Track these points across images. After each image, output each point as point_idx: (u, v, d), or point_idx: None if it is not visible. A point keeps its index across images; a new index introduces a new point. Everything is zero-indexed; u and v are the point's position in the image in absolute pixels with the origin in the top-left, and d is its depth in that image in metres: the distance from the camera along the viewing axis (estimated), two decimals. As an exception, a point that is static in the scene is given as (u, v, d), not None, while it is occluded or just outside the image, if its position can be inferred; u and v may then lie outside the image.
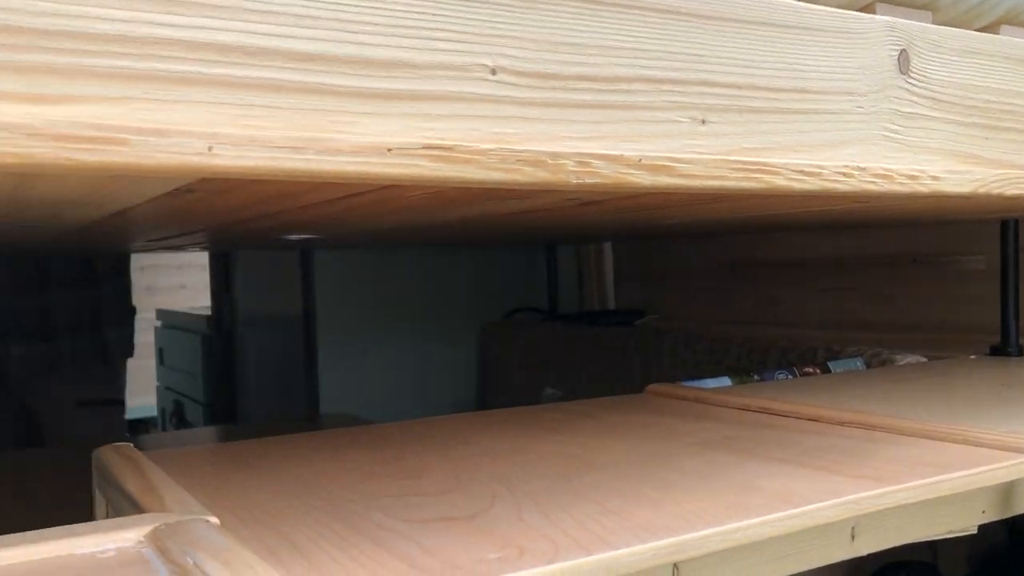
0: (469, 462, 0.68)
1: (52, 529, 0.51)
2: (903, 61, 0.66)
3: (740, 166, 0.57)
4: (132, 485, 0.62)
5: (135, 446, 0.71)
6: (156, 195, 0.60)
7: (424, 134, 0.47)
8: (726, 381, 1.06)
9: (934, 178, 0.66)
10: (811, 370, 1.15)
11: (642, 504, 0.55)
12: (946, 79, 0.69)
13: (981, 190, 0.69)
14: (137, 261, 2.51)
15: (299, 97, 0.44)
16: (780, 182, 0.59)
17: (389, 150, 0.46)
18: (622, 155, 0.53)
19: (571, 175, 0.51)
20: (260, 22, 0.43)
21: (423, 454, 0.72)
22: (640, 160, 0.54)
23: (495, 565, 0.45)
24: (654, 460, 0.67)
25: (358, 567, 0.46)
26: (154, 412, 3.21)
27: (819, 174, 0.61)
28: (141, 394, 3.09)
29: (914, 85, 0.67)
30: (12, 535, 0.49)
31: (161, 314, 3.06)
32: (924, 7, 0.70)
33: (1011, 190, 0.71)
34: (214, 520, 0.52)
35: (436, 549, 0.48)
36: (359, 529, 0.53)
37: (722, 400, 0.91)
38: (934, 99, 0.68)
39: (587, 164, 0.52)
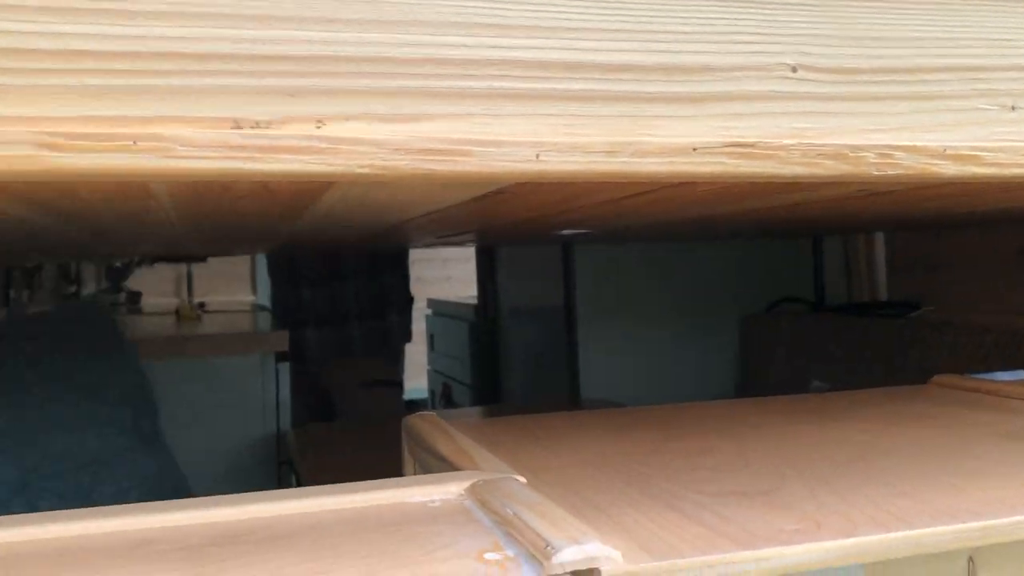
0: (754, 444, 0.70)
1: (384, 480, 0.58)
2: None
3: (1055, 152, 0.55)
4: (444, 448, 0.69)
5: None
6: (467, 199, 0.67)
7: (726, 133, 0.50)
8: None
9: None
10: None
11: (940, 489, 0.55)
12: None
13: None
14: (410, 255, 2.71)
15: (613, 105, 0.48)
16: (1100, 167, 0.56)
17: (694, 149, 0.49)
18: (925, 146, 0.53)
19: (872, 167, 0.52)
20: (578, 39, 0.48)
21: (706, 435, 0.74)
22: (944, 150, 0.53)
23: (795, 535, 0.47)
24: (946, 448, 0.66)
25: (661, 529, 0.50)
26: (425, 394, 3.44)
27: None
28: (413, 377, 3.32)
29: None
30: (352, 483, 0.58)
31: (432, 303, 3.27)
32: None
33: None
34: (522, 479, 0.58)
35: (733, 518, 0.51)
36: (655, 497, 0.56)
37: (1021, 393, 0.86)
38: None
39: (888, 156, 0.52)
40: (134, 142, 0.41)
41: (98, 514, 0.51)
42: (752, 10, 0.51)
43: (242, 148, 0.43)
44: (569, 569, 0.43)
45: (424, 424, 0.78)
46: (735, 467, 0.63)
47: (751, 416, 0.82)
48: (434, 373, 3.23)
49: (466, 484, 0.58)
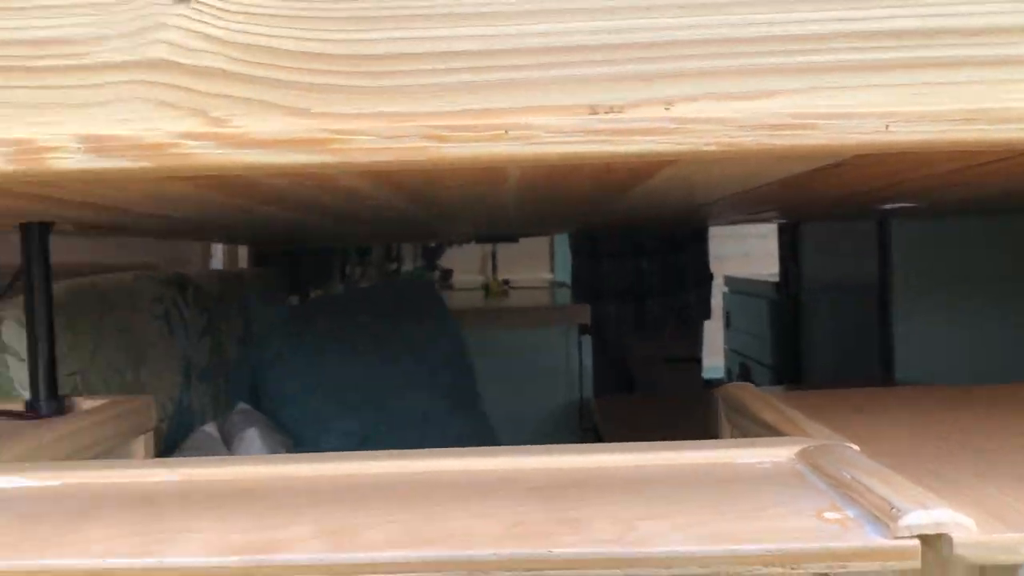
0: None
1: (711, 440, 0.61)
2: None
3: None
4: (768, 415, 0.70)
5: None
6: (798, 172, 0.67)
7: (1104, 94, 0.46)
8: None
9: None
10: None
11: None
12: None
13: None
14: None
15: (971, 71, 0.46)
16: None
17: (1063, 116, 0.46)
18: None
19: None
20: (934, 3, 0.46)
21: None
22: None
23: None
24: None
25: (1016, 502, 0.47)
26: (721, 373, 3.40)
27: None
28: (709, 356, 3.29)
29: None
30: (680, 441, 0.60)
31: (729, 280, 3.22)
32: None
33: None
34: (855, 447, 0.57)
35: None
36: (1004, 472, 0.53)
37: None
38: None
39: None
40: (505, 131, 0.46)
41: (450, 455, 0.58)
42: None
43: (598, 132, 0.46)
44: (916, 533, 0.43)
45: (743, 393, 0.80)
46: None
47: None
48: (731, 352, 3.18)
49: (796, 449, 0.58)
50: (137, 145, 0.46)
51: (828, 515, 0.46)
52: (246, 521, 0.49)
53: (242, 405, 1.48)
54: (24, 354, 0.92)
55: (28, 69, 0.47)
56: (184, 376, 1.29)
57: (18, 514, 0.52)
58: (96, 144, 0.46)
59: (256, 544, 0.46)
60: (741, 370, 3.06)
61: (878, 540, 0.43)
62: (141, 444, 0.88)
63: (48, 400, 0.84)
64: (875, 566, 0.43)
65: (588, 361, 2.31)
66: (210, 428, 1.26)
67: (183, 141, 0.46)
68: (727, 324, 3.33)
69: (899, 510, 0.44)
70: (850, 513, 0.46)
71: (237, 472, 0.58)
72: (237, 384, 1.55)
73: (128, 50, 0.47)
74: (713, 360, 3.53)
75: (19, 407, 0.85)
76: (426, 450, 0.59)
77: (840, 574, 0.44)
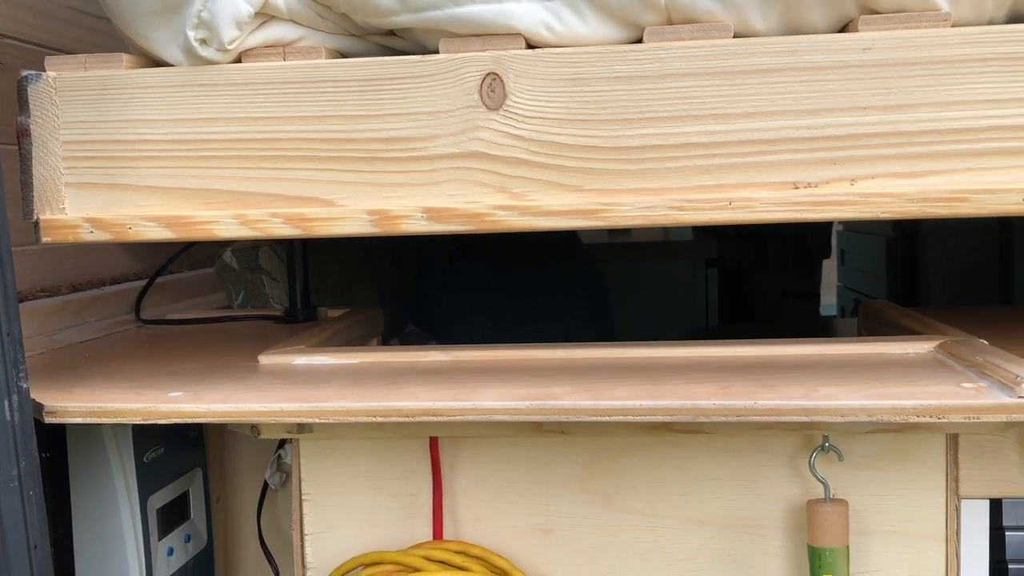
0: None
1: (864, 337, 0.77)
2: None
3: None
4: (905, 321, 0.86)
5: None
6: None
7: None
8: None
9: None
10: None
11: None
12: None
13: None
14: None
15: (1091, 155, 0.61)
16: None
17: None
18: None
19: None
20: (1063, 104, 0.60)
21: None
22: None
23: None
24: None
25: None
26: (834, 311, 3.49)
27: None
28: (825, 293, 3.37)
29: None
30: (843, 338, 0.78)
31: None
32: None
33: None
34: (984, 341, 0.73)
35: None
36: None
37: None
38: None
39: None
40: (729, 203, 0.63)
41: (666, 345, 0.78)
42: None
43: (799, 203, 0.63)
44: None
45: (884, 306, 0.97)
46: None
47: None
48: (845, 289, 3.27)
49: (935, 343, 0.76)
50: (463, 214, 0.65)
51: (965, 385, 0.63)
52: (522, 385, 0.68)
53: (410, 327, 1.70)
54: (277, 275, 1.14)
55: (384, 159, 0.66)
56: (379, 297, 1.51)
57: (339, 381, 0.71)
58: (435, 214, 0.65)
59: (537, 395, 0.64)
60: (855, 306, 3.16)
61: (1005, 399, 0.59)
62: (375, 344, 1.09)
63: (303, 308, 1.05)
64: (1002, 418, 0.59)
65: (714, 293, 2.46)
66: (414, 328, 1.48)
67: (495, 211, 0.65)
68: (841, 262, 3.41)
69: (1022, 378, 0.60)
70: (983, 383, 0.62)
71: (496, 354, 0.78)
72: (403, 309, 1.77)
73: (454, 145, 0.65)
74: (826, 298, 3.61)
75: (278, 314, 1.07)
76: (640, 342, 0.78)
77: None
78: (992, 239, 2.28)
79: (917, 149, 0.62)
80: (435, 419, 0.64)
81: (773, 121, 0.63)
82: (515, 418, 0.63)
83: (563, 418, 0.64)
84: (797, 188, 0.63)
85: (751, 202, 0.63)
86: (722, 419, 0.62)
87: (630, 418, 0.62)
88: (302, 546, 0.77)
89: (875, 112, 0.62)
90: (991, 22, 0.65)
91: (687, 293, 2.45)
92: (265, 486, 0.87)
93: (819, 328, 2.34)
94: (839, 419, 0.61)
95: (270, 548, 0.87)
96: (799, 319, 2.58)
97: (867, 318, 1.02)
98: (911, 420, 0.60)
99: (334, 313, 1.08)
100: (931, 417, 0.60)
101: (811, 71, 0.62)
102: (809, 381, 0.66)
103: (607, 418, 0.62)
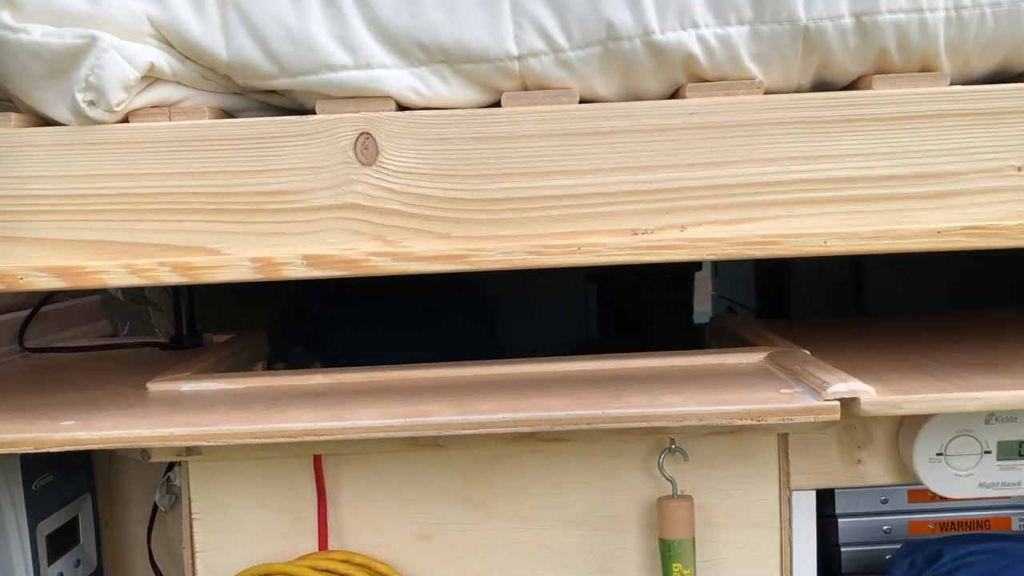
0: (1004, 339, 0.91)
1: (704, 350, 0.88)
2: None
3: None
4: (747, 335, 0.97)
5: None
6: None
7: (963, 220, 0.71)
8: None
9: None
10: None
11: None
12: None
13: None
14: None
15: (878, 204, 0.72)
16: None
17: (938, 232, 0.72)
18: None
19: (1080, 238, 0.71)
20: (854, 161, 0.71)
21: (969, 333, 0.96)
22: None
23: (1006, 387, 0.71)
24: None
25: (910, 382, 0.74)
26: (707, 319, 3.67)
27: None
28: (698, 303, 3.55)
29: None
30: (685, 351, 0.87)
31: (717, 224, 3.46)
32: None
33: None
34: (807, 352, 0.84)
35: (966, 378, 0.74)
36: (912, 366, 0.81)
37: None
38: None
39: (1095, 229, 0.71)
40: (579, 248, 0.72)
41: (529, 362, 0.87)
42: (986, 128, 0.71)
43: (638, 248, 0.72)
44: (837, 397, 0.70)
45: (730, 320, 1.09)
46: (982, 352, 0.86)
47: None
48: (718, 298, 3.45)
49: (765, 353, 0.86)
50: (341, 260, 0.71)
51: (783, 391, 0.73)
52: (398, 404, 0.75)
53: (297, 349, 1.76)
54: (162, 305, 1.18)
55: (266, 211, 0.71)
56: (270, 320, 1.55)
57: (225, 406, 0.77)
58: (314, 261, 0.71)
59: (410, 413, 0.71)
60: (727, 312, 3.34)
61: (813, 403, 0.70)
62: (259, 368, 1.13)
63: (189, 335, 1.10)
64: (811, 419, 0.70)
65: (593, 307, 2.58)
66: (299, 350, 1.54)
67: (370, 257, 0.71)
68: (715, 273, 3.59)
69: (828, 384, 0.71)
70: (798, 389, 0.73)
71: (374, 376, 0.85)
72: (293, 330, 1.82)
73: (331, 197, 0.71)
74: (702, 308, 3.80)
75: (164, 341, 1.11)
76: (507, 359, 0.87)
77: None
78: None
79: (736, 200, 0.72)
80: (317, 439, 0.70)
81: (614, 176, 0.72)
82: (390, 435, 0.71)
83: (434, 433, 0.71)
84: (636, 234, 0.72)
85: (597, 247, 0.72)
86: (575, 427, 0.70)
87: (495, 430, 0.70)
88: (193, 564, 0.82)
89: (701, 168, 0.72)
90: (799, 89, 0.75)
91: (568, 308, 2.55)
92: (155, 508, 0.91)
93: (690, 336, 2.47)
94: (676, 424, 0.71)
95: (160, 569, 0.91)
96: (673, 328, 2.72)
97: (716, 331, 1.13)
98: (736, 423, 0.70)
99: (220, 339, 1.13)
100: (752, 420, 0.70)
101: (646, 132, 0.71)
102: (653, 391, 0.75)
103: (474, 431, 0.70)
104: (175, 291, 1.11)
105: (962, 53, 0.73)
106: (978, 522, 0.95)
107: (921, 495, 0.95)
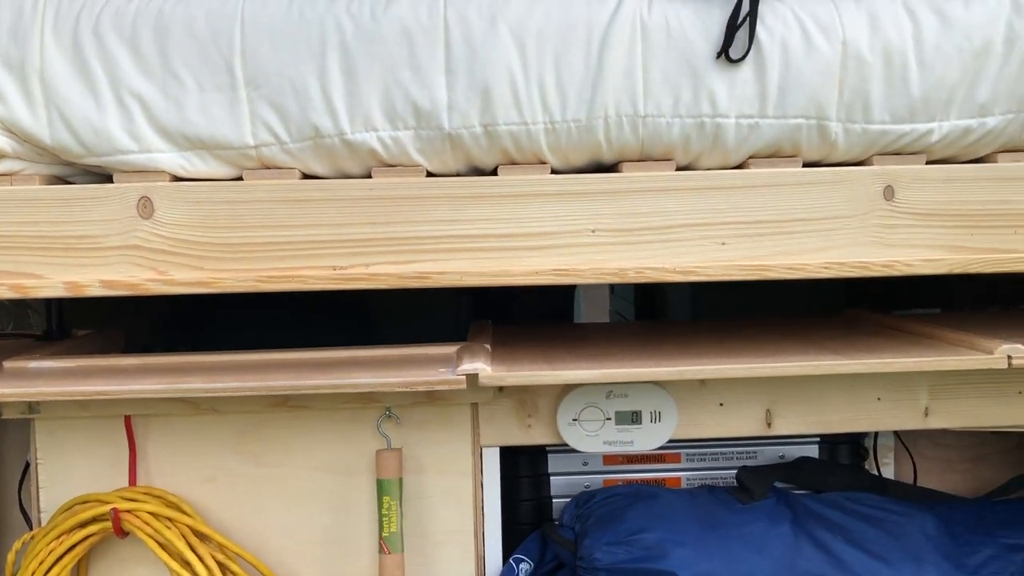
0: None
1: (416, 344, 1.20)
2: (888, 192, 1.06)
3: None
4: (471, 335, 1.30)
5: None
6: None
7: (553, 264, 1.05)
8: None
9: (908, 265, 1.06)
10: None
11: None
12: (934, 199, 1.06)
13: (957, 270, 1.06)
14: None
15: (498, 252, 1.05)
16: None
17: (536, 272, 1.05)
18: (663, 266, 1.06)
19: (635, 278, 1.06)
20: (483, 222, 1.05)
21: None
22: (675, 268, 1.06)
23: (591, 365, 1.05)
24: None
25: (532, 364, 1.10)
26: (595, 323, 4.01)
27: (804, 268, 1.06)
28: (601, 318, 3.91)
29: (899, 207, 1.06)
30: (393, 345, 1.20)
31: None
32: (919, 152, 1.07)
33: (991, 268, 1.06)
34: (487, 346, 1.17)
35: (585, 366, 1.09)
36: (556, 359, 1.14)
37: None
38: (919, 213, 1.06)
39: (642, 272, 1.06)
40: (293, 278, 1.05)
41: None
42: (571, 203, 1.05)
43: (336, 279, 1.05)
44: (465, 373, 1.03)
45: (478, 327, 1.39)
46: (632, 346, 1.19)
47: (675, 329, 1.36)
48: (614, 313, 3.83)
49: (457, 347, 1.17)
50: (126, 284, 1.04)
51: (441, 370, 1.06)
52: (180, 379, 1.07)
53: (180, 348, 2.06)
54: (38, 308, 1.49)
55: (75, 249, 1.04)
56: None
57: (56, 378, 1.08)
58: (108, 284, 1.04)
59: (180, 382, 1.05)
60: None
61: (449, 376, 1.03)
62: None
63: (57, 330, 1.41)
64: (447, 387, 1.03)
65: (464, 317, 2.89)
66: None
67: (146, 283, 1.04)
68: (612, 292, 3.96)
69: (462, 363, 1.04)
70: (444, 370, 1.06)
71: (173, 360, 1.15)
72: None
73: (120, 240, 1.04)
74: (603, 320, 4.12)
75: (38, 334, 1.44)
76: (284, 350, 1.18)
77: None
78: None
79: (403, 247, 1.05)
80: (101, 398, 1.03)
81: (319, 230, 1.05)
82: (156, 396, 1.05)
83: (181, 395, 1.06)
84: (335, 270, 1.05)
85: (306, 278, 1.05)
86: (305, 392, 1.04)
87: (232, 394, 1.04)
88: (37, 496, 1.13)
89: (379, 226, 1.05)
90: (456, 173, 1.09)
91: (442, 319, 2.87)
92: (26, 466, 1.22)
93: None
94: (363, 390, 1.04)
95: (28, 513, 1.22)
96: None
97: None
98: (397, 390, 1.04)
99: (83, 332, 1.44)
100: (408, 388, 1.03)
101: (340, 201, 1.05)
102: (368, 370, 1.08)
103: (211, 395, 1.05)
104: (48, 299, 1.43)
105: (560, 152, 1.07)
106: (656, 480, 1.29)
107: (613, 459, 1.29)
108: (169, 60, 1.03)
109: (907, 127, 1.05)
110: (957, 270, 1.07)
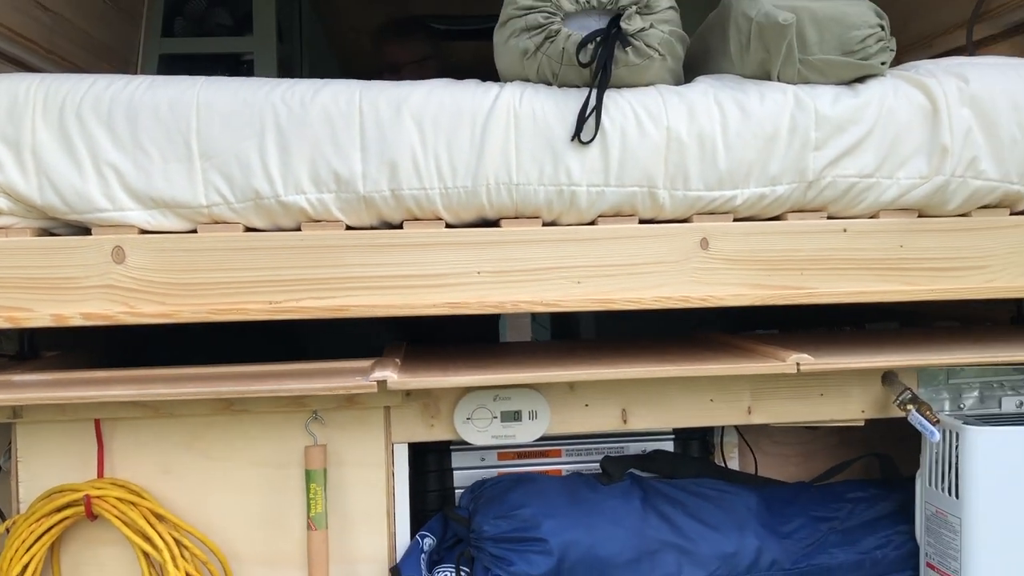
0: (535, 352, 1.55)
1: (342, 360, 1.49)
2: (704, 243, 1.37)
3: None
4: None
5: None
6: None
7: (448, 298, 1.34)
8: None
9: (719, 299, 1.38)
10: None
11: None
12: (739, 248, 1.38)
13: (758, 302, 1.38)
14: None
15: (403, 290, 1.34)
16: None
17: (434, 305, 1.34)
18: (532, 299, 1.35)
19: (511, 309, 1.35)
20: (390, 265, 1.34)
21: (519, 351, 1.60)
22: (542, 300, 1.36)
23: (485, 373, 1.34)
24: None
25: (439, 373, 1.37)
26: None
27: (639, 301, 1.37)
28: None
29: (713, 255, 1.38)
30: (324, 360, 1.47)
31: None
32: (728, 212, 1.39)
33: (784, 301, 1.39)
34: (399, 361, 1.45)
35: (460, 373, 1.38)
36: (450, 369, 1.44)
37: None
38: (728, 259, 1.38)
39: (517, 304, 1.35)
40: (237, 310, 1.31)
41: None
42: (461, 252, 1.34)
43: (273, 311, 1.32)
44: (376, 379, 1.30)
45: (392, 347, 1.67)
46: (505, 362, 1.48)
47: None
48: (534, 339, 4.13)
49: (371, 362, 1.45)
50: (103, 316, 1.29)
51: (357, 378, 1.33)
52: (137, 387, 1.33)
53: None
54: (11, 335, 1.72)
55: (59, 288, 1.29)
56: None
57: (37, 388, 1.31)
58: (88, 316, 1.29)
59: (135, 389, 1.30)
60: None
61: (363, 382, 1.30)
62: None
63: (29, 350, 1.64)
64: (361, 391, 1.29)
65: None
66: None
67: (119, 315, 1.30)
68: (533, 318, 4.28)
69: (374, 372, 1.32)
70: (363, 378, 1.33)
71: (135, 373, 1.42)
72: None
73: (98, 280, 1.29)
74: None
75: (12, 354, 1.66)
76: (229, 364, 1.45)
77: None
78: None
79: (326, 286, 1.33)
80: (68, 402, 1.28)
81: (259, 272, 1.32)
82: (129, 400, 1.29)
83: (127, 399, 1.31)
84: (271, 304, 1.33)
85: (248, 310, 1.32)
86: (247, 396, 1.30)
87: (197, 398, 1.30)
88: (17, 488, 1.37)
89: (306, 269, 1.33)
90: (372, 226, 1.37)
91: (373, 350, 3.13)
92: (-1, 469, 1.46)
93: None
94: (295, 394, 1.31)
95: (4, 512, 1.45)
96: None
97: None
98: (320, 394, 1.31)
99: (50, 354, 1.68)
100: (329, 392, 1.31)
101: (274, 248, 1.32)
102: (298, 379, 1.34)
103: (149, 399, 1.30)
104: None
105: (452, 211, 1.36)
106: (542, 472, 1.58)
107: (506, 455, 1.58)
108: (139, 137, 1.29)
109: (717, 193, 1.37)
110: (758, 303, 1.39)
